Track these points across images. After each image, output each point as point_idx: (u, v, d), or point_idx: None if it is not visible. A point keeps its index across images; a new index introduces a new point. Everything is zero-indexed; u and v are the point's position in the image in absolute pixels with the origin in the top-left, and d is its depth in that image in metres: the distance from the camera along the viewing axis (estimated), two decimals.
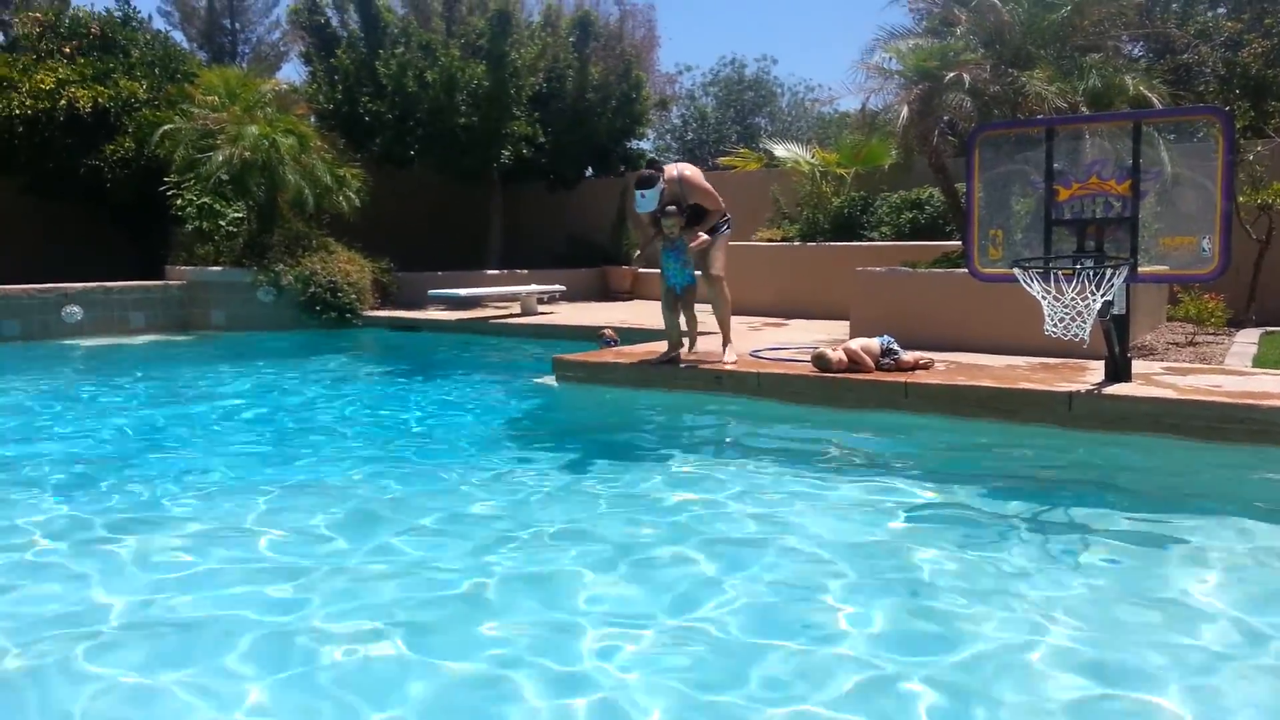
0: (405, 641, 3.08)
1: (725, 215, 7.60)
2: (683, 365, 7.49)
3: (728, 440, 6.47)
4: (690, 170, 7.60)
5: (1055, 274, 6.01)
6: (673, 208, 7.35)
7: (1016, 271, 6.12)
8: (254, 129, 12.83)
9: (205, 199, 13.17)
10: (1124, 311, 6.32)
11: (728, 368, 7.33)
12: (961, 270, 7.78)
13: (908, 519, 4.37)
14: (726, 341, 7.66)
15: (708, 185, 7.55)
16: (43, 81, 14.16)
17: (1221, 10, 15.96)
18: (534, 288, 14.33)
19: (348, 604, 3.38)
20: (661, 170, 7.37)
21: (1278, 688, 2.79)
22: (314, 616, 3.27)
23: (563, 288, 15.29)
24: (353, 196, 13.98)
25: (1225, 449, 5.38)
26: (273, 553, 3.94)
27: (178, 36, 28.16)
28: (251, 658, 2.97)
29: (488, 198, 18.15)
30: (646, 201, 7.25)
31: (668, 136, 33.59)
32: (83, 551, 3.97)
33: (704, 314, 7.86)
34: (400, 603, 3.40)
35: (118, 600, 3.42)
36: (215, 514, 4.50)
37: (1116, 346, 6.33)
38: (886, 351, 6.99)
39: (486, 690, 2.80)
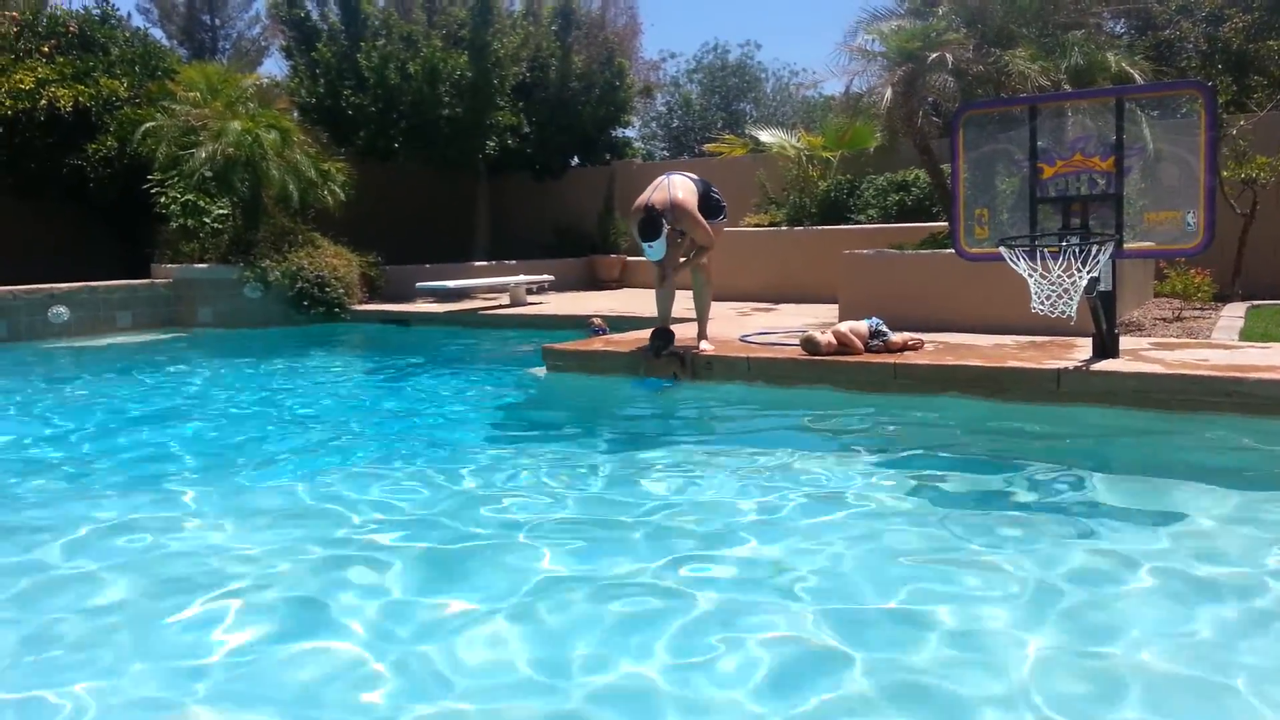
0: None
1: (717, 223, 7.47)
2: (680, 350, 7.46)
3: (717, 425, 6.48)
4: (683, 193, 7.20)
5: (1041, 252, 6.03)
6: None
7: (1003, 250, 6.14)
8: (236, 125, 12.75)
9: (189, 196, 13.10)
10: (1110, 288, 6.35)
11: (710, 352, 7.34)
12: (948, 251, 7.80)
13: (897, 498, 4.38)
14: (703, 334, 7.65)
15: (699, 217, 7.21)
16: (22, 81, 14.04)
17: None
18: (522, 278, 14.29)
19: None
20: (659, 211, 7.06)
21: (1266, 648, 2.82)
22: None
23: (551, 278, 15.25)
24: (338, 190, 13.91)
25: (1213, 421, 5.42)
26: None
27: (157, 33, 27.91)
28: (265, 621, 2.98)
29: (473, 189, 18.10)
30: (655, 251, 7.08)
31: (653, 124, 33.51)
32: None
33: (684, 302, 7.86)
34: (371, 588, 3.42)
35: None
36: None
37: (1104, 323, 6.35)
38: (875, 333, 7.01)
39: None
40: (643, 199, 7.25)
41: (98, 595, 3.45)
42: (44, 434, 6.39)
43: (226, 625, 3.17)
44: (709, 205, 7.49)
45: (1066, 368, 6.09)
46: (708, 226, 7.31)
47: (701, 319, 7.76)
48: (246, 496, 4.73)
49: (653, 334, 7.46)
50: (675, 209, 7.14)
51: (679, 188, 7.26)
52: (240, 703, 2.70)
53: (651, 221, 7.04)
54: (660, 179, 7.40)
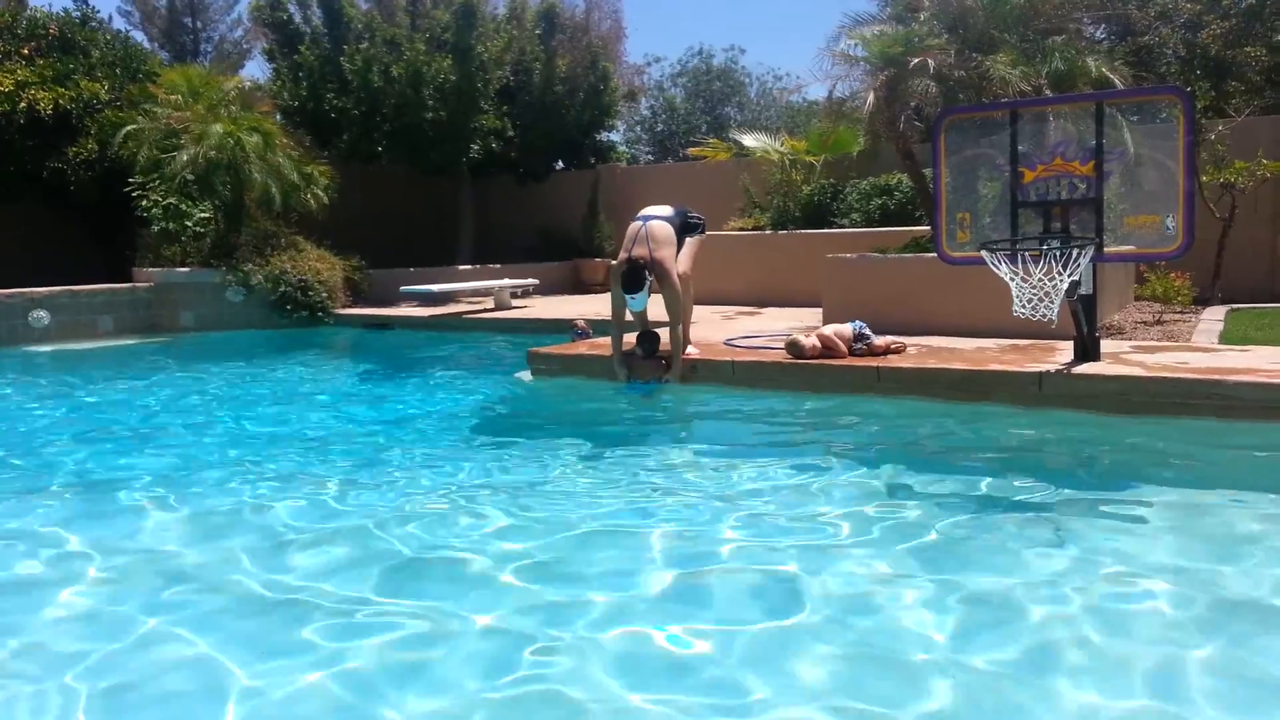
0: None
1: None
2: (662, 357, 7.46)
3: (702, 429, 6.49)
4: (665, 248, 7.18)
5: (1022, 255, 6.07)
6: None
7: (984, 254, 6.18)
8: (218, 127, 12.69)
9: (171, 199, 13.03)
10: (1091, 291, 6.40)
11: (695, 355, 7.36)
12: (931, 254, 7.84)
13: (880, 501, 4.40)
14: (686, 339, 7.66)
15: (675, 279, 7.19)
16: (1, 84, 13.94)
17: None
18: (507, 282, 14.28)
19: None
20: (642, 265, 7.07)
21: (1230, 654, 2.84)
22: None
23: (535, 281, 15.25)
24: (321, 194, 13.86)
25: (1193, 424, 5.46)
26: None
27: (138, 36, 27.78)
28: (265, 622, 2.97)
29: (457, 192, 18.06)
30: (637, 303, 7.10)
31: (637, 128, 33.53)
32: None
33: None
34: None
35: None
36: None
37: (1085, 326, 6.40)
38: (859, 336, 7.04)
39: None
40: (624, 256, 7.23)
41: None
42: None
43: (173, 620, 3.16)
44: (688, 227, 7.52)
45: (1048, 371, 6.12)
46: (680, 291, 7.27)
47: (685, 323, 7.75)
48: (201, 504, 4.70)
49: (638, 337, 7.48)
50: (655, 266, 7.14)
51: (660, 241, 7.20)
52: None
53: (635, 273, 7.05)
54: (637, 228, 7.30)
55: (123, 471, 5.37)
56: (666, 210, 7.50)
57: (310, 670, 2.86)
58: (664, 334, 7.55)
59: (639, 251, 7.13)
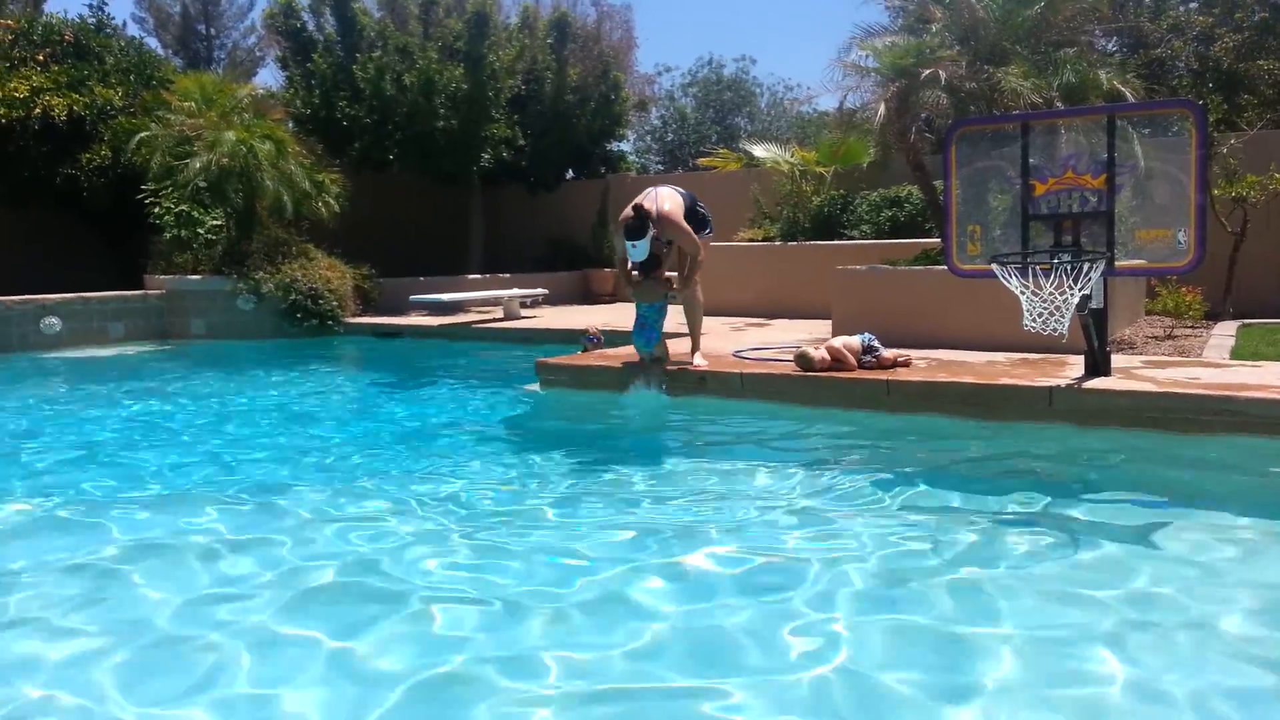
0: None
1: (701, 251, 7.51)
2: (670, 367, 7.47)
3: (709, 442, 6.46)
4: (670, 205, 7.25)
5: (1033, 269, 6.05)
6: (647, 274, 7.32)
7: (995, 267, 6.16)
8: (231, 135, 12.74)
9: (183, 207, 13.08)
10: (1102, 305, 6.37)
11: (703, 367, 7.35)
12: (941, 267, 7.82)
13: (888, 516, 4.38)
14: (696, 348, 7.65)
15: (685, 226, 7.25)
16: (16, 90, 14.03)
17: (1193, 4, 16.12)
18: (516, 291, 14.29)
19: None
20: (647, 214, 7.09)
21: (1235, 671, 2.81)
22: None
23: (545, 291, 15.26)
24: (332, 202, 13.89)
25: (1204, 441, 5.43)
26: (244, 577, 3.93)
27: (152, 43, 27.92)
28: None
29: (468, 201, 18.10)
30: (638, 251, 7.09)
31: (647, 138, 33.60)
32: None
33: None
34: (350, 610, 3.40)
35: None
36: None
37: (1095, 341, 6.37)
38: (868, 349, 7.02)
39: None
40: (629, 208, 7.29)
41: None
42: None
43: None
44: (695, 218, 7.52)
45: (1059, 385, 6.09)
46: (694, 234, 7.34)
47: (694, 334, 7.76)
48: (198, 509, 4.69)
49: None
50: (661, 219, 7.16)
51: (665, 199, 7.29)
52: None
53: (638, 222, 7.06)
54: (647, 190, 7.44)
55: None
56: (679, 189, 7.58)
57: (309, 670, 2.87)
58: (673, 347, 7.58)
59: (645, 204, 7.18)
